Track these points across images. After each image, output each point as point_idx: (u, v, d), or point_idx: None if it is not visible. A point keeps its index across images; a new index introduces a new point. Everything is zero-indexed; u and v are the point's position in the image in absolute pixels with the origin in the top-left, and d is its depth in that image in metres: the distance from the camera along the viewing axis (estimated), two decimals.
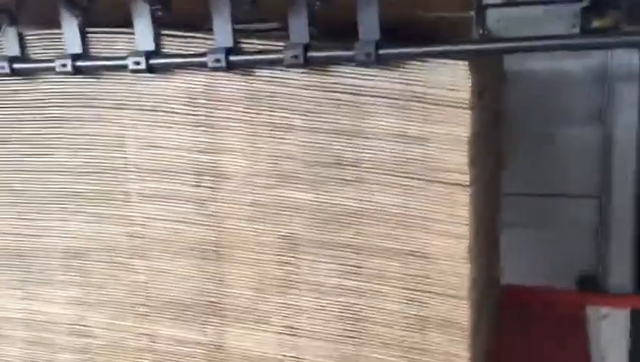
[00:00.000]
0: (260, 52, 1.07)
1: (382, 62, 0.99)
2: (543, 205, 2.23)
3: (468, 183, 1.01)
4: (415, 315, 1.09)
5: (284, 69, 1.06)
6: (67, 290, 1.32)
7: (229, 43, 1.06)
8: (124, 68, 1.12)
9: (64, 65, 1.15)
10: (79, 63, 1.15)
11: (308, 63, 1.02)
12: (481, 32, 1.39)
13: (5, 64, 1.18)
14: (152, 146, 1.18)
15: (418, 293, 1.08)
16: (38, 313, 1.35)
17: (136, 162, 1.19)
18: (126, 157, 1.20)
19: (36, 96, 1.22)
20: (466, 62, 0.97)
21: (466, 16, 1.20)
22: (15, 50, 1.19)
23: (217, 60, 1.06)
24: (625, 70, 2.05)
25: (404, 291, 1.09)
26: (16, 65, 1.19)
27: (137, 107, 1.17)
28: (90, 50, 1.16)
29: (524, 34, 1.02)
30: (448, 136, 1.00)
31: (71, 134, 1.22)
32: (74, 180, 1.24)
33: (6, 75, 1.20)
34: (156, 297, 1.25)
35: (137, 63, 1.10)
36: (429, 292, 1.07)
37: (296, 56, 1.02)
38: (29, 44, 1.20)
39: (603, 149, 2.14)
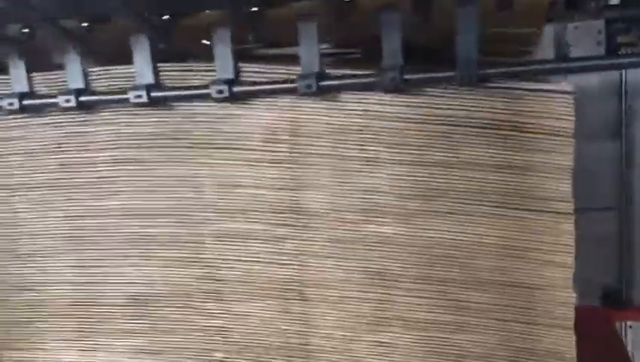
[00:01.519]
0: (351, 76, 1.04)
1: (481, 82, 0.97)
2: None
3: (572, 212, 1.00)
4: (517, 347, 1.07)
5: (375, 101, 1.03)
6: (131, 339, 1.25)
7: (317, 68, 1.03)
8: (206, 97, 1.08)
9: (139, 97, 1.09)
10: (154, 94, 1.10)
11: (405, 85, 1.00)
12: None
13: (71, 97, 1.12)
14: (229, 185, 1.13)
15: (520, 325, 1.06)
16: None
17: (212, 203, 1.15)
18: (202, 198, 1.15)
19: (107, 138, 1.16)
20: (571, 92, 0.96)
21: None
22: (79, 83, 1.14)
23: (308, 86, 1.02)
24: None
25: (504, 323, 1.06)
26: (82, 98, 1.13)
27: (215, 145, 1.12)
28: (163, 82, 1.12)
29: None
30: (551, 166, 0.99)
31: (143, 176, 1.17)
32: (144, 224, 1.19)
33: (71, 108, 1.14)
34: (235, 341, 1.20)
35: (220, 92, 1.06)
36: (532, 323, 1.05)
37: (393, 79, 0.99)
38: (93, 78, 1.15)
39: (622, 163, 2.16)
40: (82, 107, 1.14)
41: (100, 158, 1.17)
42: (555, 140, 0.98)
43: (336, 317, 1.13)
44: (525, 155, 1.00)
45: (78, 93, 1.13)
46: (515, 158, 1.01)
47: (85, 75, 1.14)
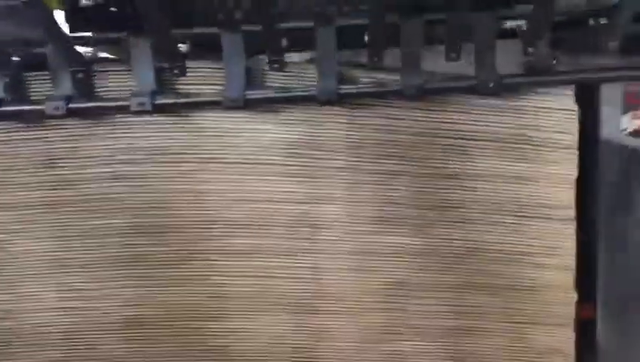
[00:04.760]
0: (372, 84, 1.06)
1: (505, 90, 1.03)
2: None
3: (574, 218, 1.08)
4: (521, 347, 1.13)
5: (391, 115, 1.07)
6: None
7: (335, 75, 1.03)
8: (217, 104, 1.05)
9: (142, 104, 1.04)
10: (159, 101, 1.05)
11: (426, 93, 1.03)
12: None
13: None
14: (239, 200, 1.11)
15: (525, 326, 1.13)
16: None
17: (220, 218, 1.12)
18: (207, 213, 1.12)
19: (97, 153, 1.10)
20: (575, 106, 1.05)
21: None
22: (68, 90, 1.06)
23: (327, 92, 1.03)
24: None
25: (510, 325, 1.13)
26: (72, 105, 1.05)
27: (224, 160, 1.10)
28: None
29: None
30: (557, 176, 1.07)
31: (139, 192, 1.12)
32: (138, 242, 1.13)
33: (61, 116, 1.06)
34: (240, 359, 1.17)
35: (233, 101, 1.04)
36: (536, 323, 1.12)
37: (415, 87, 1.02)
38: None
39: None
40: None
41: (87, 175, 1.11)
42: (560, 152, 1.06)
43: (350, 329, 1.14)
44: (533, 167, 1.07)
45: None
46: (523, 169, 1.08)
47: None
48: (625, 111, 1.21)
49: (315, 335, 1.15)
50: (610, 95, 1.60)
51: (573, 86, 1.05)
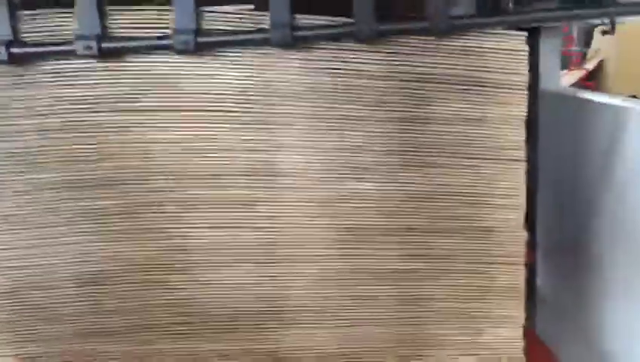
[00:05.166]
0: (324, 27, 1.04)
1: (457, 31, 1.04)
2: None
3: (523, 158, 1.11)
4: (477, 286, 1.16)
5: (347, 59, 1.06)
6: (78, 323, 1.15)
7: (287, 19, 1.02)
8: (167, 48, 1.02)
9: (89, 48, 0.99)
10: (106, 45, 1.01)
11: (380, 35, 1.03)
12: None
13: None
14: (193, 150, 1.09)
15: (480, 265, 1.16)
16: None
17: (174, 169, 1.10)
18: (159, 164, 1.09)
19: (42, 103, 1.05)
20: (526, 47, 1.07)
21: None
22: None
23: (282, 36, 1.01)
24: None
25: (467, 265, 1.15)
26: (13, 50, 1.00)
27: (175, 108, 1.07)
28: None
29: None
30: (507, 117, 1.10)
31: (87, 143, 1.08)
32: (93, 196, 1.10)
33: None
34: (200, 313, 1.16)
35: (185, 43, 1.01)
36: (490, 263, 1.15)
37: (369, 29, 1.01)
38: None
39: None
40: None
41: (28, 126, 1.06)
42: (510, 93, 1.08)
43: (309, 276, 1.15)
44: (485, 108, 1.09)
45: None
46: (476, 111, 1.09)
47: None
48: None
49: (277, 284, 1.15)
50: (549, 50, 1.66)
51: (523, 28, 1.07)
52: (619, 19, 1.61)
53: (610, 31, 1.36)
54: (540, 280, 1.56)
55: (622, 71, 2.30)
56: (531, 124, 1.13)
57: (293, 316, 1.16)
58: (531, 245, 1.35)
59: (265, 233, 1.13)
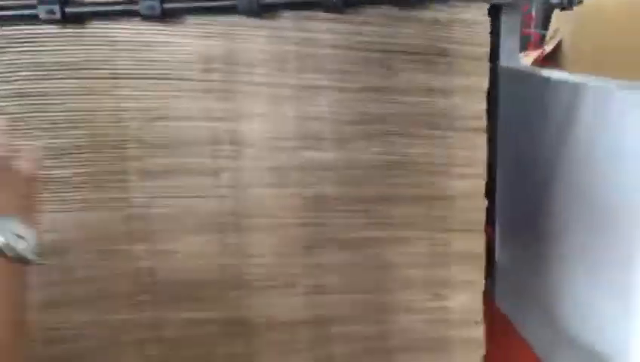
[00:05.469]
0: None
1: (418, 2, 1.06)
2: None
3: (484, 128, 1.14)
4: (439, 253, 1.19)
5: (312, 29, 1.06)
6: (42, 292, 1.14)
7: None
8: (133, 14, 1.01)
9: (51, 12, 0.97)
10: (70, 9, 0.99)
11: (347, 5, 1.03)
12: None
13: None
14: (157, 118, 1.08)
15: (441, 233, 1.18)
16: None
17: (137, 137, 1.09)
18: (123, 133, 1.09)
19: (4, 69, 1.03)
20: (488, 18, 1.09)
21: None
22: None
23: (249, 3, 1.00)
24: None
25: (429, 233, 1.18)
26: None
27: (139, 76, 1.06)
28: None
29: None
30: (469, 87, 1.12)
31: (48, 111, 1.06)
32: (57, 165, 1.09)
33: None
34: (164, 282, 1.16)
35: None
36: (451, 230, 1.18)
37: None
38: None
39: None
40: None
41: None
42: (472, 63, 1.10)
43: (272, 244, 1.16)
44: (447, 79, 1.11)
45: None
46: (438, 82, 1.11)
47: None
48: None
49: (239, 252, 1.16)
50: (508, 28, 1.68)
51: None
52: None
53: (567, 7, 1.38)
54: (498, 253, 1.59)
55: (579, 48, 2.34)
56: (492, 100, 1.15)
57: (258, 284, 1.17)
58: (490, 219, 1.38)
59: (228, 202, 1.13)
